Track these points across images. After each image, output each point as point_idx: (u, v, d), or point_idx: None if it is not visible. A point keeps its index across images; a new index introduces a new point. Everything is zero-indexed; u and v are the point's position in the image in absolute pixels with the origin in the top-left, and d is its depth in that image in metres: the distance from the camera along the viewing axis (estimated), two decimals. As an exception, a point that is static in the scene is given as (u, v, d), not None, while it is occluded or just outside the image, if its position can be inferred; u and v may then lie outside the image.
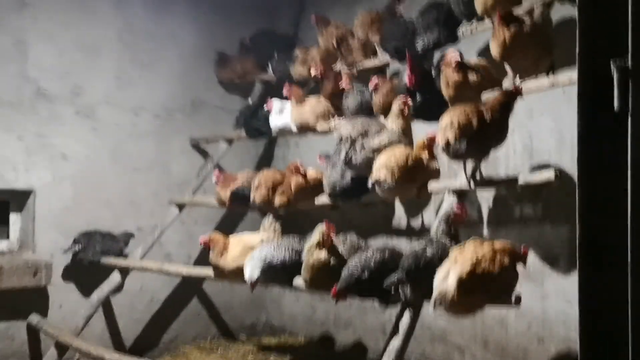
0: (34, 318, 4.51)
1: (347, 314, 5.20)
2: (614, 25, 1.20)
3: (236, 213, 5.52)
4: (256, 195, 3.90)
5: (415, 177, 3.23)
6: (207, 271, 3.94)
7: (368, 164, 3.32)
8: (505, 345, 3.98)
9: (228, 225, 5.46)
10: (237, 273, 3.51)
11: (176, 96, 5.42)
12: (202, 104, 5.56)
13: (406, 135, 3.41)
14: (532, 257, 3.82)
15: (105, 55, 5.07)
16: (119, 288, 4.84)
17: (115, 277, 4.73)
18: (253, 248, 3.52)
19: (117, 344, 5.02)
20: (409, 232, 4.62)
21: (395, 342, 2.86)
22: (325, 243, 3.10)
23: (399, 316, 2.92)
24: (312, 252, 3.14)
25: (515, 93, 2.99)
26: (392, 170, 3.14)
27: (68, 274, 4.80)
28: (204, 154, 5.49)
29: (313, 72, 4.21)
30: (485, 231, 4.11)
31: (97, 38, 5.02)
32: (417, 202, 4.46)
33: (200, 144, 5.46)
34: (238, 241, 3.65)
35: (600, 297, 1.20)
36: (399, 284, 2.84)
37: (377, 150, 3.29)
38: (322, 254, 3.12)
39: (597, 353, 1.25)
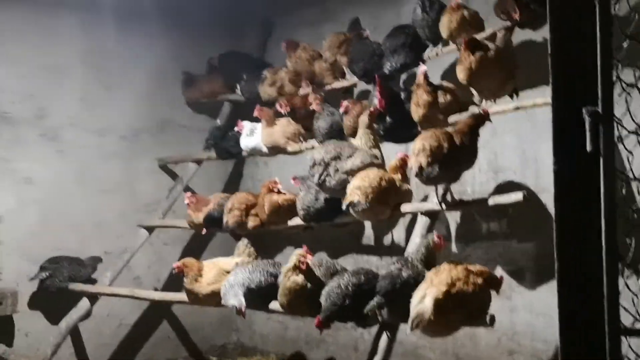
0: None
1: (317, 332, 5.20)
2: (584, 74, 1.29)
3: (205, 236, 5.50)
4: (229, 218, 3.91)
5: (388, 199, 3.30)
6: (180, 296, 3.92)
7: (342, 186, 3.38)
8: (477, 358, 4.06)
9: (197, 247, 5.43)
10: (213, 297, 3.51)
11: (143, 117, 5.38)
12: (170, 124, 5.53)
13: (377, 150, 3.48)
14: (500, 272, 3.93)
15: (69, 77, 5.01)
16: (87, 314, 4.74)
17: (83, 304, 4.65)
18: (228, 272, 3.52)
19: (87, 371, 4.93)
20: (379, 250, 4.69)
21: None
22: (302, 267, 3.13)
23: (377, 337, 2.97)
24: (289, 276, 3.17)
25: (484, 117, 3.09)
26: (366, 192, 3.20)
27: (35, 301, 4.70)
28: (173, 174, 5.45)
29: (282, 110, 4.26)
30: (454, 248, 4.20)
31: (61, 60, 4.97)
32: (386, 221, 4.53)
33: (168, 164, 5.42)
34: (212, 265, 3.65)
35: (578, 331, 1.27)
36: (378, 308, 2.89)
37: (351, 173, 3.35)
38: (299, 278, 3.15)
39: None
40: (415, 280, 2.81)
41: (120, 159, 5.24)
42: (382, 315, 2.85)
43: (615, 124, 1.30)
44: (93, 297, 4.68)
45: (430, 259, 3.01)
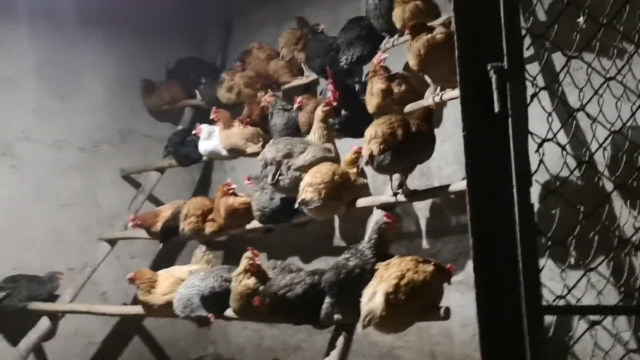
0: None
1: (295, 339, 5.08)
2: (489, 30, 1.17)
3: (174, 245, 5.36)
4: (185, 225, 3.77)
5: (342, 195, 3.17)
6: (139, 309, 3.76)
7: (296, 184, 3.25)
8: (452, 356, 3.96)
9: (166, 258, 5.26)
10: (168, 307, 3.36)
11: (102, 127, 5.23)
12: (131, 133, 5.39)
13: (330, 144, 3.36)
14: (471, 266, 3.81)
15: (21, 89, 4.87)
16: (50, 333, 4.56)
17: (44, 323, 4.47)
18: (183, 280, 3.38)
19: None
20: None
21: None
22: (251, 269, 3.00)
23: (334, 337, 2.83)
24: (240, 280, 3.03)
25: (431, 110, 3.01)
26: (319, 189, 3.08)
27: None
28: (136, 185, 5.31)
29: (230, 99, 4.16)
30: (424, 243, 4.09)
31: (11, 71, 4.82)
32: (358, 219, 4.41)
33: (131, 175, 5.29)
34: (168, 275, 3.51)
35: (496, 310, 1.16)
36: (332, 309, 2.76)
37: (303, 169, 3.23)
38: (250, 282, 3.01)
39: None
40: (362, 269, 2.68)
41: (80, 172, 5.09)
42: (334, 312, 2.71)
43: (528, 82, 1.18)
44: (54, 316, 4.51)
45: (382, 242, 2.86)
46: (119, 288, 5.17)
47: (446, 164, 3.99)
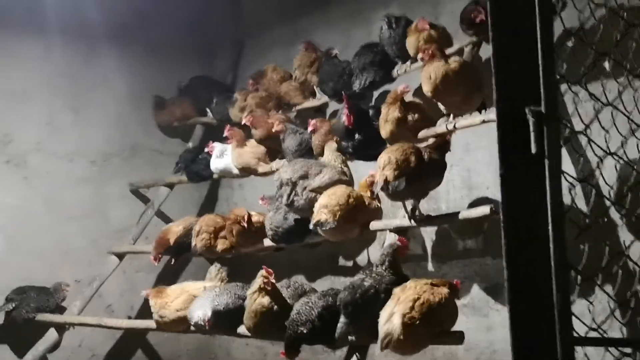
0: (-37, 384, 4.23)
1: (299, 357, 5.09)
2: (526, 75, 1.25)
3: (179, 260, 5.39)
4: (197, 242, 3.81)
5: (356, 217, 3.23)
6: (149, 323, 3.80)
7: (311, 205, 3.31)
8: (456, 379, 3.97)
9: (171, 273, 5.30)
10: (180, 322, 3.40)
11: (113, 141, 5.30)
12: (141, 148, 5.45)
13: (345, 169, 3.43)
14: (477, 290, 3.88)
15: (35, 101, 4.93)
16: (56, 345, 4.59)
17: (51, 335, 4.50)
18: (196, 297, 3.42)
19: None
20: (356, 271, 4.58)
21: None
22: (267, 288, 3.04)
23: (347, 358, 2.88)
24: (255, 299, 3.07)
25: (446, 142, 3.08)
26: (334, 210, 3.13)
27: (1, 334, 4.53)
28: (144, 199, 5.36)
29: (244, 121, 4.23)
30: (430, 266, 4.14)
31: (25, 84, 4.89)
32: (362, 239, 4.47)
33: (139, 189, 5.34)
34: (181, 291, 3.55)
35: (530, 341, 1.22)
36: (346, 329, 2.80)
37: (318, 191, 3.29)
38: (265, 300, 3.06)
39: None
40: (376, 290, 2.73)
41: (90, 184, 5.14)
42: (349, 332, 2.76)
43: (562, 125, 1.25)
44: (61, 328, 4.53)
45: (396, 264, 2.92)
46: (124, 301, 5.20)
47: (454, 189, 4.05)
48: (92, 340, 4.98)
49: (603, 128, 1.60)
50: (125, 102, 5.37)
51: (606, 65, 1.64)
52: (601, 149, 1.46)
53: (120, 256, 4.92)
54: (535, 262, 1.23)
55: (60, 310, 4.65)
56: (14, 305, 4.44)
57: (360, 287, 2.78)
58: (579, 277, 1.36)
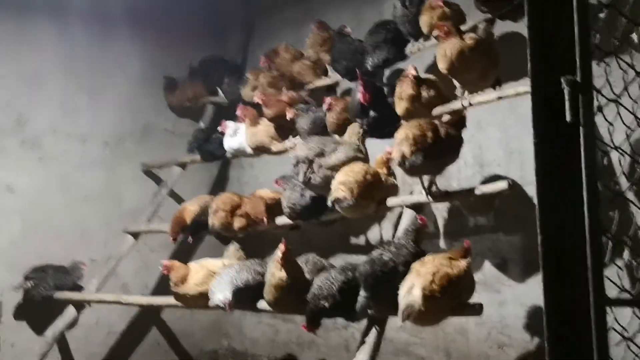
0: (-17, 360, 4.32)
1: (310, 334, 5.12)
2: (561, 45, 1.28)
3: (200, 240, 5.47)
4: (215, 220, 3.86)
5: (373, 194, 3.27)
6: (167, 300, 3.86)
7: (327, 182, 3.35)
8: (467, 354, 4.05)
9: (185, 252, 5.37)
10: (200, 298, 3.46)
11: (125, 122, 5.33)
12: (153, 129, 5.49)
13: (361, 145, 3.46)
14: (488, 266, 3.93)
15: (49, 84, 4.96)
16: (74, 322, 4.67)
17: (70, 312, 4.58)
18: (216, 274, 3.48)
19: (75, 381, 4.85)
20: (368, 250, 4.64)
21: (361, 357, 2.87)
22: (284, 262, 3.09)
23: (365, 332, 2.94)
24: (274, 273, 3.13)
25: (462, 118, 3.11)
26: (351, 187, 3.17)
27: (20, 311, 4.62)
28: (157, 179, 5.41)
29: (255, 100, 4.25)
30: (442, 243, 4.19)
31: (39, 66, 4.91)
32: (374, 217, 4.51)
33: (152, 169, 5.38)
34: (200, 267, 3.60)
35: (563, 302, 1.26)
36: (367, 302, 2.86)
37: (335, 168, 3.33)
38: (284, 274, 3.11)
39: (563, 356, 1.31)
40: (395, 263, 2.78)
41: (104, 165, 5.19)
42: (369, 306, 2.82)
43: (594, 94, 1.29)
44: (79, 305, 4.61)
45: (418, 239, 2.98)
46: (138, 280, 5.28)
47: (465, 166, 4.09)
48: (108, 318, 5.07)
49: (632, 99, 1.63)
50: (138, 84, 5.39)
51: (634, 37, 1.66)
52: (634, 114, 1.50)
53: (135, 235, 4.98)
54: (569, 226, 1.27)
55: (78, 288, 4.72)
56: (32, 283, 4.52)
57: (379, 260, 2.83)
58: (609, 243, 1.40)
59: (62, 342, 4.77)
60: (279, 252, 3.12)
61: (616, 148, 1.42)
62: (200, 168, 5.53)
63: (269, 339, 5.55)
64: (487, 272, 3.94)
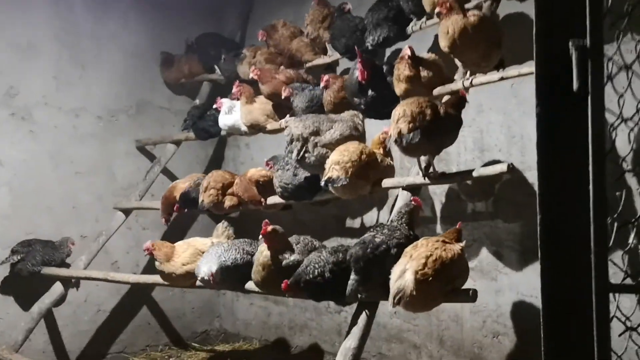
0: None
1: (302, 317, 5.12)
2: (571, 5, 1.16)
3: (185, 218, 5.38)
4: (205, 197, 3.76)
5: (369, 174, 3.17)
6: (155, 278, 3.77)
7: (322, 161, 3.25)
8: (461, 342, 3.98)
9: (177, 231, 5.29)
10: (187, 277, 3.37)
11: (120, 97, 5.22)
12: (148, 105, 5.38)
13: (358, 124, 3.35)
14: (485, 253, 3.85)
15: (42, 56, 4.84)
16: (61, 299, 4.60)
17: (57, 288, 4.50)
18: (203, 252, 3.38)
19: (61, 358, 4.77)
20: (363, 232, 4.56)
21: (350, 342, 2.78)
22: (268, 240, 2.98)
23: (356, 315, 2.85)
24: (262, 251, 3.03)
25: (462, 98, 2.99)
26: (346, 167, 3.07)
27: (6, 286, 4.54)
28: (151, 156, 5.31)
29: (251, 75, 4.14)
30: (439, 228, 4.10)
31: (32, 37, 4.79)
32: (370, 199, 4.42)
33: (146, 146, 5.28)
34: (187, 246, 3.51)
35: (562, 288, 1.16)
36: (357, 286, 2.76)
37: (330, 147, 3.22)
38: (269, 252, 3.01)
39: (560, 346, 1.21)
40: (388, 246, 2.69)
41: (97, 140, 5.09)
42: (359, 290, 2.72)
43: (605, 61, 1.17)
44: (67, 282, 4.53)
45: (411, 222, 2.88)
46: (129, 258, 5.20)
47: (465, 151, 3.99)
48: (97, 296, 5.00)
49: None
50: (133, 59, 5.28)
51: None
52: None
53: (126, 212, 4.89)
54: (572, 206, 1.16)
55: (65, 265, 4.64)
56: (19, 257, 4.43)
57: (371, 242, 2.73)
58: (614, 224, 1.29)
59: (49, 319, 4.71)
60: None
61: (626, 121, 1.31)
62: (195, 146, 5.44)
63: (261, 321, 5.51)
64: (483, 259, 3.86)
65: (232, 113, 4.35)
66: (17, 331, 4.33)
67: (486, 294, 3.74)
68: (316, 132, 3.32)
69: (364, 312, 2.79)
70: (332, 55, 4.31)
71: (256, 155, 5.33)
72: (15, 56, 4.71)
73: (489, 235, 3.83)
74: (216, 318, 5.80)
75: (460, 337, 3.98)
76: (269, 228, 2.99)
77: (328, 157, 3.18)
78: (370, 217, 4.56)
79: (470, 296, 2.56)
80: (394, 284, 2.47)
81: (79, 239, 4.81)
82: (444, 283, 2.52)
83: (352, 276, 2.75)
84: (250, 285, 3.22)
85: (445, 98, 3.16)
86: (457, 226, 2.77)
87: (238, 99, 4.33)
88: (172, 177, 5.26)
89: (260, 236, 3.01)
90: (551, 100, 1.19)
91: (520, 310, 3.66)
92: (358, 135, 3.34)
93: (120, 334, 5.19)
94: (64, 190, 4.88)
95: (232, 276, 3.17)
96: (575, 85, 1.15)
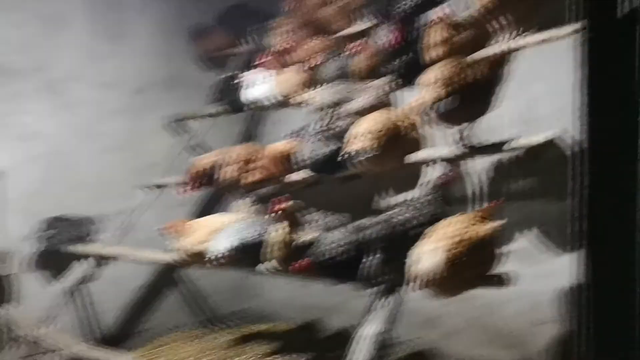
0: (-1, 309, 4.28)
1: (335, 299, 4.96)
2: None
3: (212, 195, 5.29)
4: (226, 173, 3.60)
5: (399, 145, 2.92)
6: (179, 256, 3.65)
7: (349, 131, 3.02)
8: (498, 329, 3.75)
9: (205, 208, 5.22)
10: (202, 256, 3.22)
11: (150, 71, 5.13)
12: (178, 79, 5.28)
13: (388, 91, 3.11)
14: (528, 235, 3.59)
15: (71, 28, 4.76)
16: (90, 276, 4.57)
17: (86, 265, 4.48)
18: (221, 230, 3.23)
19: (89, 335, 4.76)
20: (391, 209, 4.35)
21: (374, 327, 2.58)
22: (282, 217, 2.80)
23: (380, 298, 2.64)
24: (277, 230, 2.85)
25: (501, 59, 2.71)
26: (374, 137, 2.84)
27: (38, 261, 4.53)
28: (180, 132, 5.23)
29: (282, 47, 3.95)
30: (476, 207, 3.85)
31: (61, 9, 4.71)
32: (401, 175, 4.19)
33: (175, 121, 5.20)
34: (205, 223, 3.37)
35: (607, 273, 0.95)
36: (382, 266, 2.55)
37: (358, 115, 3.00)
38: (284, 230, 2.83)
39: (603, 334, 1.00)
40: (415, 224, 2.45)
41: (126, 115, 5.02)
42: (384, 271, 2.51)
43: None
44: (95, 258, 4.50)
45: (442, 197, 2.63)
46: (156, 235, 5.11)
47: (508, 123, 3.70)
48: (129, 273, 4.95)
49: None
50: (164, 32, 5.17)
51: None
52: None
53: (154, 189, 4.82)
54: (621, 185, 0.93)
55: (95, 241, 4.61)
56: (49, 233, 4.42)
57: (399, 219, 2.50)
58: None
59: (79, 295, 4.69)
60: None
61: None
62: (225, 122, 5.30)
63: (293, 302, 5.39)
64: (525, 242, 3.59)
65: (261, 85, 4.20)
66: (48, 307, 4.30)
67: (525, 279, 3.49)
68: (344, 100, 3.10)
69: (389, 295, 2.58)
70: (363, 22, 4.09)
71: (285, 130, 5.18)
72: (45, 29, 4.65)
73: (531, 217, 3.55)
74: (252, 297, 5.71)
75: (497, 324, 3.75)
76: (284, 205, 2.81)
77: (357, 126, 2.96)
78: (398, 192, 4.33)
79: (505, 281, 2.31)
80: (422, 265, 2.25)
81: (109, 215, 4.77)
82: (477, 265, 2.28)
83: (377, 255, 2.54)
84: (264, 266, 3.02)
85: (482, 63, 2.88)
86: (494, 204, 2.51)
87: (268, 71, 4.17)
88: (202, 153, 5.16)
89: (274, 213, 2.83)
90: (599, 23, 0.94)
91: (562, 297, 3.40)
92: (389, 103, 3.10)
93: (150, 312, 5.16)
94: (94, 165, 4.83)
95: (249, 255, 3.00)
96: (620, 11, 0.90)
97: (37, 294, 4.45)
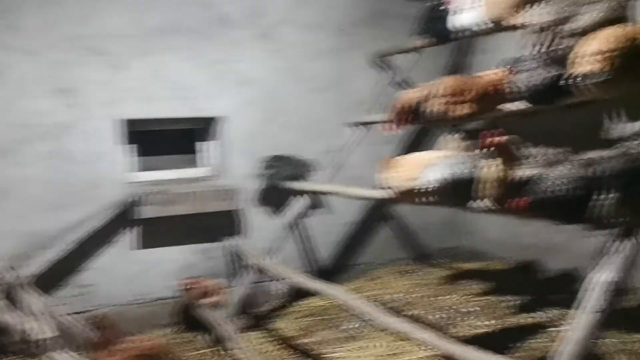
0: (229, 240, 4.72)
1: (558, 239, 4.56)
2: None
3: (420, 131, 5.16)
4: (434, 106, 3.40)
5: (637, 67, 2.45)
6: (385, 193, 3.62)
7: (575, 54, 2.61)
8: None
9: (412, 145, 5.14)
10: (413, 192, 3.11)
11: (355, 8, 5.13)
12: (383, 14, 5.18)
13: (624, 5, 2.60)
14: None
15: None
16: (307, 212, 4.82)
17: (303, 201, 4.71)
18: (431, 166, 3.08)
19: (308, 267, 5.07)
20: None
21: (608, 274, 2.27)
22: (499, 153, 2.54)
23: (615, 241, 2.30)
24: (492, 165, 2.61)
25: None
26: (608, 57, 2.41)
27: (261, 198, 4.90)
28: (387, 68, 5.13)
29: None
30: None
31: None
32: (636, 102, 3.56)
33: (380, 57, 5.11)
34: (413, 160, 3.24)
35: None
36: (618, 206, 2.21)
37: (586, 32, 2.57)
38: (500, 166, 2.57)
39: None
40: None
41: (332, 55, 5.08)
42: (620, 212, 2.16)
43: None
44: (312, 195, 4.70)
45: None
46: (368, 172, 5.15)
47: None
48: (343, 209, 5.14)
49: None
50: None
51: None
52: None
53: (362, 127, 4.83)
54: None
55: (311, 179, 4.82)
56: (270, 171, 4.74)
57: (637, 153, 2.12)
58: None
59: (298, 229, 4.99)
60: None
61: None
62: (431, 54, 5.04)
63: (510, 241, 5.11)
64: None
65: (470, 10, 3.84)
66: (270, 239, 4.65)
67: None
68: (567, 19, 2.67)
69: (626, 239, 2.23)
70: None
71: (496, 59, 4.74)
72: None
73: None
74: (464, 235, 5.58)
75: None
76: (497, 140, 2.55)
77: (584, 46, 2.54)
78: (635, 121, 3.69)
79: None
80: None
81: (320, 153, 4.93)
82: None
83: (611, 194, 2.19)
84: (476, 203, 2.81)
85: None
86: None
87: (476, -6, 3.79)
88: (407, 89, 5.02)
89: (487, 149, 2.59)
90: None
91: None
92: (625, 17, 2.59)
93: (364, 246, 5.32)
94: (304, 106, 5.01)
95: (459, 191, 2.81)
96: None
97: (261, 228, 4.84)
